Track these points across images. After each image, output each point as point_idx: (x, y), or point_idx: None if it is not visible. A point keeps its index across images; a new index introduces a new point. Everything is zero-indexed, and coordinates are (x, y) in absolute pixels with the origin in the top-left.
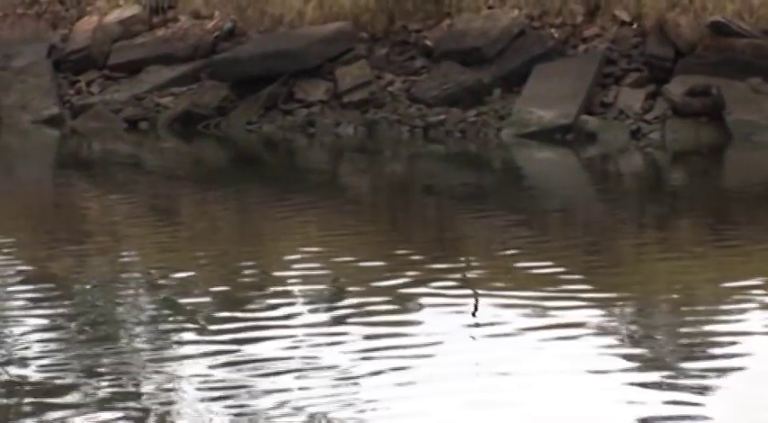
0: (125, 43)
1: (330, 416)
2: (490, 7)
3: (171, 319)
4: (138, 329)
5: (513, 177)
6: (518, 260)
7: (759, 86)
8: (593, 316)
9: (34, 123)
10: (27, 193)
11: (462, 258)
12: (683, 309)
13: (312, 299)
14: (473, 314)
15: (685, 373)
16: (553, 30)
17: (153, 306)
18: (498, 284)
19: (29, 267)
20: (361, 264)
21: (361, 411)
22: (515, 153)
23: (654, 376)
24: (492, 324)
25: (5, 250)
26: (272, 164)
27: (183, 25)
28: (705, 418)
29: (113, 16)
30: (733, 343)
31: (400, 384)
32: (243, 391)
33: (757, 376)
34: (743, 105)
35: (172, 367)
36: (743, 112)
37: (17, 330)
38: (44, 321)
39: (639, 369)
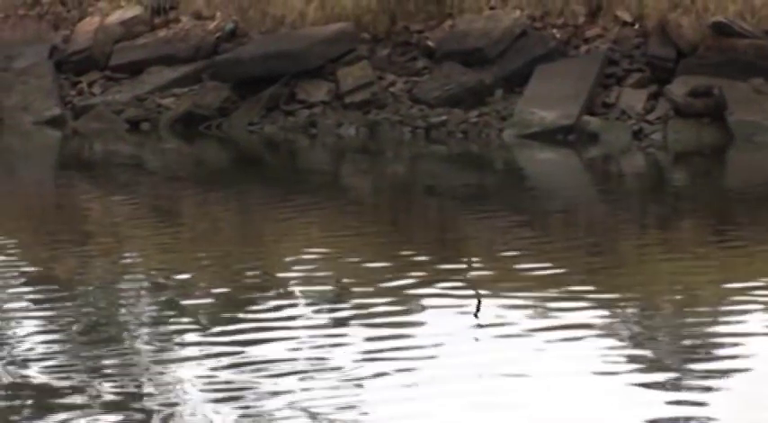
0: (126, 44)
1: (334, 417)
2: (492, 8)
3: (174, 320)
4: (141, 331)
5: (515, 178)
6: (521, 261)
7: (761, 87)
8: (596, 317)
9: (36, 124)
10: (29, 195)
11: (465, 259)
12: (687, 310)
13: (315, 300)
14: (475, 315)
15: (689, 374)
16: (555, 30)
17: (156, 308)
18: (501, 285)
19: (31, 269)
20: (364, 265)
21: (366, 413)
22: (517, 154)
23: (658, 377)
24: (495, 325)
25: (8, 252)
26: (274, 165)
27: (184, 26)
28: (709, 419)
29: (115, 17)
30: (736, 344)
31: (404, 386)
32: (247, 392)
33: (761, 377)
34: (745, 106)
35: (175, 369)
36: (745, 113)
37: (20, 332)
38: (47, 323)
39: (643, 370)
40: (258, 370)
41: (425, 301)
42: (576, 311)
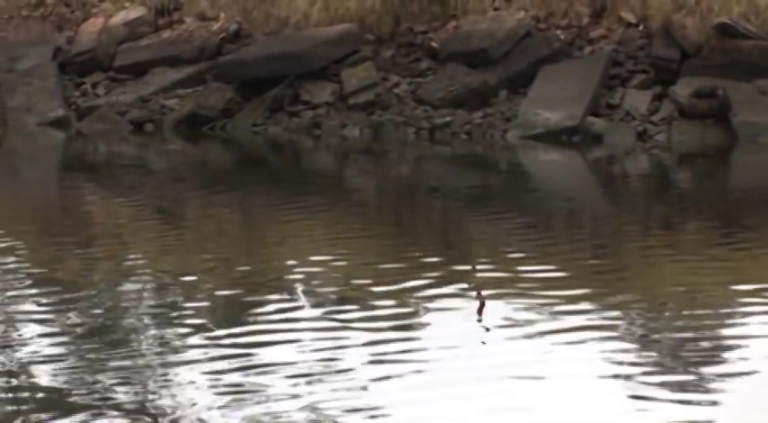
0: (130, 45)
1: (342, 420)
2: (496, 9)
3: (180, 323)
4: (147, 333)
5: (519, 179)
6: (527, 263)
7: (765, 88)
8: (602, 319)
9: (40, 125)
10: (33, 196)
11: (471, 262)
12: (692, 312)
13: (321, 302)
14: (478, 320)
15: (696, 377)
16: (559, 31)
17: (161, 310)
18: (507, 288)
19: (36, 271)
20: (370, 267)
21: (374, 416)
22: (521, 155)
23: (664, 380)
24: (502, 328)
25: (13, 254)
26: (278, 166)
27: (188, 27)
28: (716, 421)
29: (119, 18)
30: (742, 346)
31: (411, 389)
32: (254, 395)
33: (767, 379)
34: (749, 107)
35: (182, 372)
36: (749, 114)
37: (25, 334)
38: (52, 325)
39: (649, 373)
40: (265, 373)
41: (432, 304)
42: (582, 314)
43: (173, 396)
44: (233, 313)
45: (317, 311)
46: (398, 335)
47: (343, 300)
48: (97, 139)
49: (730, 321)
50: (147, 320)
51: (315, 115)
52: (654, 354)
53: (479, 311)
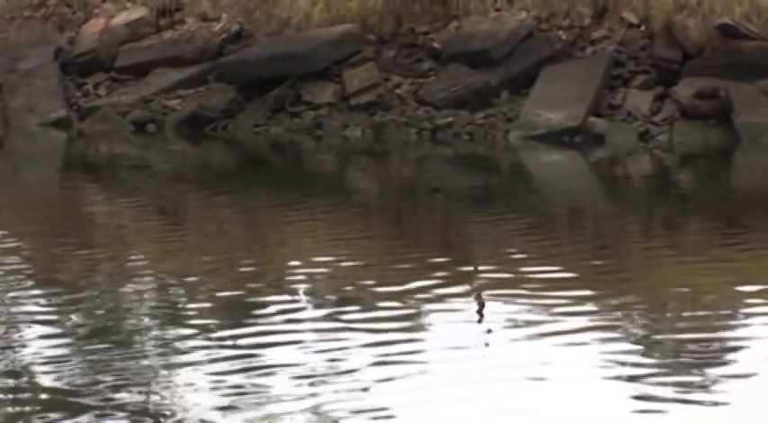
0: (132, 46)
1: (344, 422)
2: (498, 9)
3: (181, 324)
4: (149, 335)
5: (521, 180)
6: (529, 264)
7: (767, 89)
8: (604, 321)
9: (41, 126)
10: (35, 197)
11: (473, 263)
12: (695, 313)
13: (323, 304)
14: (479, 321)
15: (698, 379)
16: (561, 32)
17: (163, 311)
18: (510, 289)
19: (38, 272)
20: (372, 268)
21: (376, 418)
22: (523, 155)
23: (666, 381)
24: (504, 329)
25: (14, 255)
26: (280, 166)
27: (190, 27)
28: None
29: (120, 19)
30: (745, 347)
31: (412, 390)
32: (256, 397)
33: None
34: (751, 108)
35: (184, 373)
36: (751, 115)
37: (26, 335)
38: (53, 327)
39: (652, 374)
40: (268, 374)
41: (434, 305)
42: (584, 315)
43: (175, 397)
44: (236, 314)
45: (320, 312)
46: (401, 336)
47: (345, 301)
48: (99, 140)
49: (733, 322)
50: (149, 321)
51: (316, 116)
52: (656, 355)
53: (479, 312)
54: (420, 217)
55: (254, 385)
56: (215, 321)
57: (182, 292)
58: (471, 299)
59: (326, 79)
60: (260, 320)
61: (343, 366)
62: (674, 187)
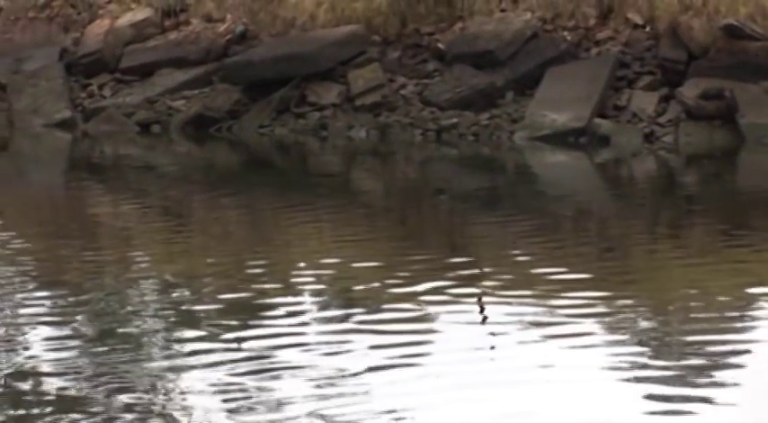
0: (137, 46)
1: None
2: (503, 10)
3: (187, 326)
4: (155, 337)
5: (526, 181)
6: (534, 266)
7: None
8: (610, 323)
9: (46, 127)
10: (40, 198)
11: (479, 265)
12: (700, 315)
13: (329, 306)
14: (482, 323)
15: (705, 380)
16: (566, 33)
17: (168, 313)
18: (515, 292)
19: (43, 274)
20: (378, 270)
21: (381, 421)
22: (528, 156)
23: (671, 384)
24: (510, 332)
25: (19, 256)
26: (285, 167)
27: (195, 28)
28: None
29: (125, 19)
30: (753, 349)
31: (418, 393)
32: (263, 400)
33: None
34: (756, 108)
35: (189, 376)
36: (756, 116)
37: (32, 337)
38: (60, 328)
39: (659, 377)
40: (274, 377)
41: (440, 308)
42: (590, 317)
43: (181, 400)
44: (241, 316)
45: (326, 314)
46: (408, 338)
47: (351, 303)
48: (103, 141)
49: (740, 324)
50: (154, 324)
51: (321, 117)
52: (664, 357)
53: (482, 314)
54: (425, 218)
55: (260, 388)
56: (221, 323)
57: (187, 293)
58: (476, 301)
59: (331, 80)
60: (266, 322)
61: (349, 369)
62: (680, 188)
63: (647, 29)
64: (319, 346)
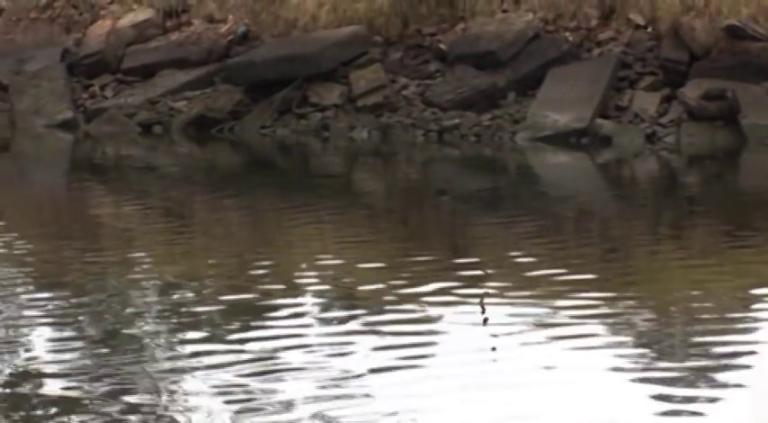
0: (139, 47)
1: None
2: (504, 11)
3: (189, 328)
4: (157, 339)
5: (528, 182)
6: (537, 268)
7: None
8: (612, 325)
9: (48, 127)
10: (41, 199)
11: (481, 267)
12: (703, 316)
13: (331, 307)
14: (484, 324)
15: (705, 383)
16: (567, 33)
17: (170, 315)
18: (518, 293)
19: (45, 275)
20: (379, 271)
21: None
22: (530, 157)
23: (675, 385)
24: (511, 334)
25: (21, 257)
26: (287, 168)
27: (196, 29)
28: None
29: (127, 20)
30: (755, 351)
31: (419, 395)
32: (267, 402)
33: None
34: (758, 109)
35: (191, 378)
36: (758, 116)
37: (34, 339)
38: (62, 330)
39: (660, 378)
40: (276, 379)
41: (442, 309)
42: (591, 319)
43: (184, 402)
44: (243, 318)
45: (328, 316)
46: (409, 340)
47: (353, 304)
48: (105, 142)
49: (744, 325)
50: (157, 325)
51: (323, 117)
52: (666, 358)
53: (482, 314)
54: (427, 219)
55: (263, 389)
56: (222, 325)
57: (189, 295)
58: (479, 303)
59: (333, 81)
60: (268, 324)
61: (352, 370)
62: (682, 189)
63: (649, 29)
64: (322, 347)
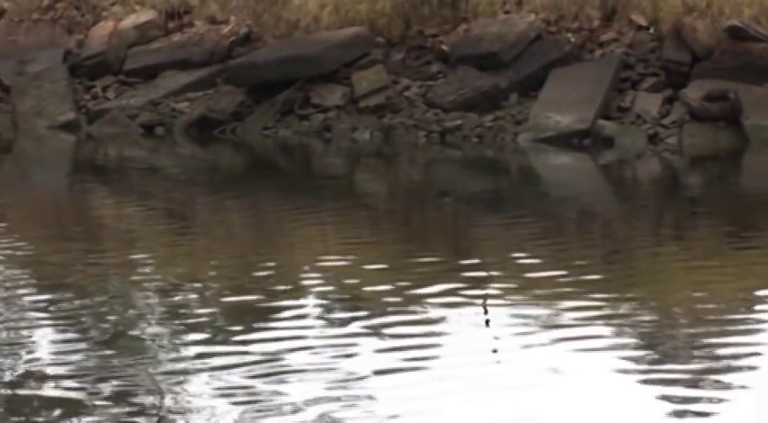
0: (141, 48)
1: None
2: (506, 12)
3: (191, 330)
4: (160, 340)
5: (530, 183)
6: (539, 269)
7: None
8: (614, 327)
9: (50, 129)
10: (44, 201)
11: (483, 269)
12: (706, 317)
13: (334, 309)
14: (486, 325)
15: (709, 385)
16: (570, 34)
17: (173, 316)
18: (520, 295)
19: (47, 277)
20: (382, 273)
21: None
22: (532, 158)
23: (678, 386)
24: (513, 336)
25: (23, 259)
26: (289, 169)
27: (198, 30)
28: None
29: (129, 21)
30: (759, 353)
31: (422, 397)
32: (271, 403)
33: None
34: (760, 110)
35: (194, 379)
36: (760, 117)
37: (36, 340)
38: (64, 331)
39: (664, 380)
40: (279, 381)
41: (444, 311)
42: (593, 321)
43: (187, 404)
44: (246, 319)
45: (330, 317)
46: (412, 342)
47: (356, 306)
48: (107, 143)
49: (747, 326)
50: (159, 327)
51: (325, 118)
52: (670, 360)
53: (485, 319)
54: (430, 221)
55: (266, 391)
56: (225, 326)
57: (191, 296)
58: (481, 304)
59: (335, 82)
60: (271, 325)
61: (355, 372)
62: (684, 190)
63: (651, 30)
64: (325, 349)
